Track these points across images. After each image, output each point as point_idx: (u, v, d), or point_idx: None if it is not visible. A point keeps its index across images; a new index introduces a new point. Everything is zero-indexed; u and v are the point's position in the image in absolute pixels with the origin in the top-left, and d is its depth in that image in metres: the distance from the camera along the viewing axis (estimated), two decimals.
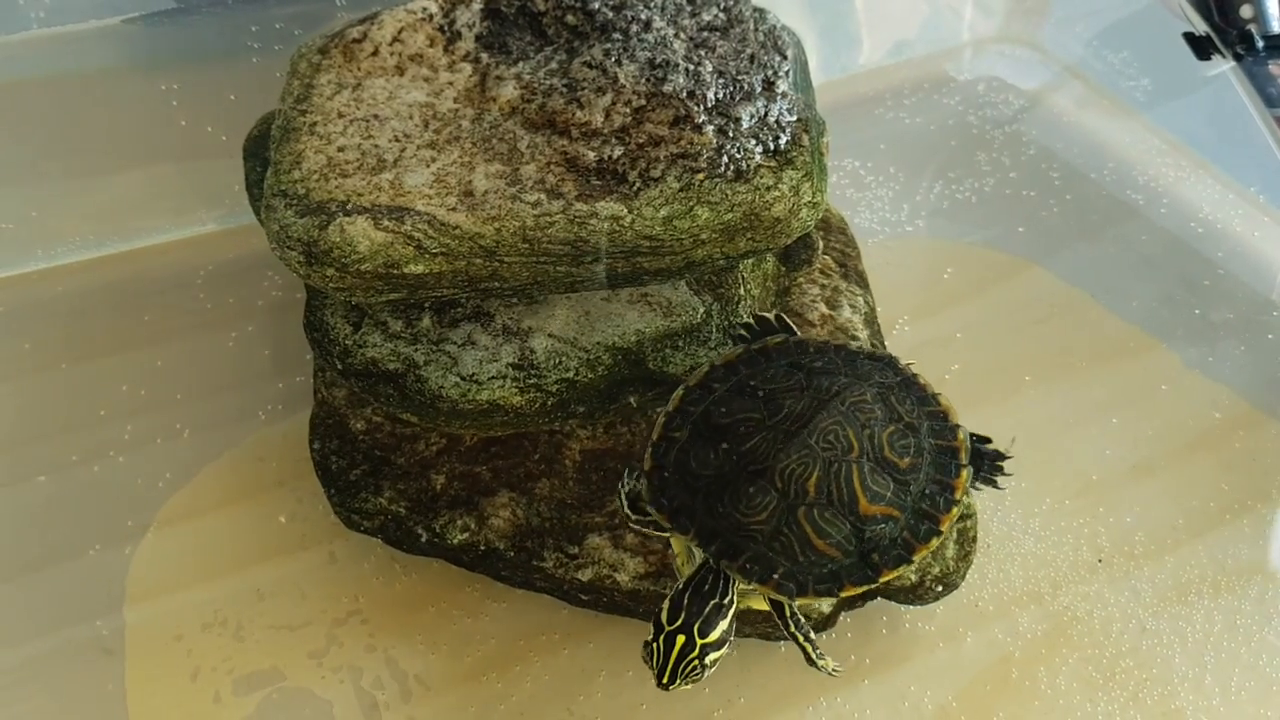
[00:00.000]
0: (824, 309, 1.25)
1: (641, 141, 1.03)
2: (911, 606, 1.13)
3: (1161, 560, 1.20)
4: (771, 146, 1.03)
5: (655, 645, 0.91)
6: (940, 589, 1.10)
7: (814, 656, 0.97)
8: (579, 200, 0.99)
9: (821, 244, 1.28)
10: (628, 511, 1.01)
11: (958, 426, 1.02)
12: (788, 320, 1.10)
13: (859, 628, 1.14)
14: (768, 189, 1.01)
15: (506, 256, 1.00)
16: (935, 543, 0.96)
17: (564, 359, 1.09)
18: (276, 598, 1.15)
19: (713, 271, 1.12)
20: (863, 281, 1.31)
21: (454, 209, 0.99)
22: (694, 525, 0.95)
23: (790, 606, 0.96)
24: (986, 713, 1.08)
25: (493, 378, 1.08)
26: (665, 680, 0.90)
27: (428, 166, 1.02)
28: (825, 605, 1.09)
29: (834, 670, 0.98)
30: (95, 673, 1.10)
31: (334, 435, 1.17)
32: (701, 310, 1.12)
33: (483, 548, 1.11)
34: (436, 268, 0.99)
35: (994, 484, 1.06)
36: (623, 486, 1.02)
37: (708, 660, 0.91)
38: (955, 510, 0.97)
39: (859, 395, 0.99)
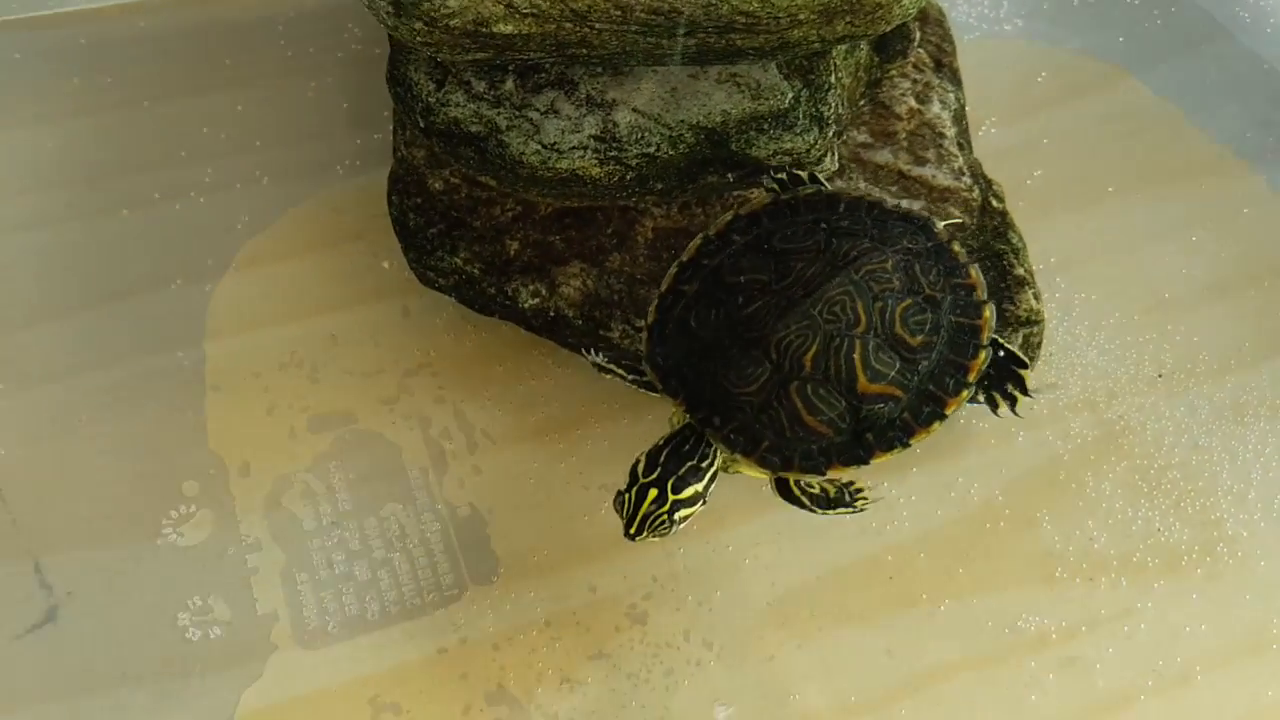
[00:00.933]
0: (913, 103, 1.23)
1: None
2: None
3: (1222, 380, 1.21)
4: None
5: (627, 496, 0.91)
6: None
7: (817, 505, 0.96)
8: None
9: (918, 36, 1.25)
10: (620, 372, 1.01)
11: (984, 303, 0.95)
12: (820, 179, 1.05)
13: None
14: None
15: (597, 23, 0.98)
16: (937, 426, 0.92)
17: (647, 134, 1.08)
18: (350, 344, 1.19)
19: (805, 56, 1.10)
20: (955, 79, 1.27)
21: None
22: (684, 389, 0.93)
23: (796, 486, 0.95)
24: (1031, 508, 1.11)
25: (574, 148, 1.08)
26: (632, 531, 0.90)
27: None
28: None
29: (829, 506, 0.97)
30: (176, 399, 1.15)
31: (413, 193, 1.18)
32: (790, 95, 1.10)
33: (552, 314, 1.13)
34: (525, 29, 0.97)
35: (994, 405, 1.00)
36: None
37: (677, 516, 0.90)
38: (964, 394, 0.93)
39: (878, 262, 0.93)
